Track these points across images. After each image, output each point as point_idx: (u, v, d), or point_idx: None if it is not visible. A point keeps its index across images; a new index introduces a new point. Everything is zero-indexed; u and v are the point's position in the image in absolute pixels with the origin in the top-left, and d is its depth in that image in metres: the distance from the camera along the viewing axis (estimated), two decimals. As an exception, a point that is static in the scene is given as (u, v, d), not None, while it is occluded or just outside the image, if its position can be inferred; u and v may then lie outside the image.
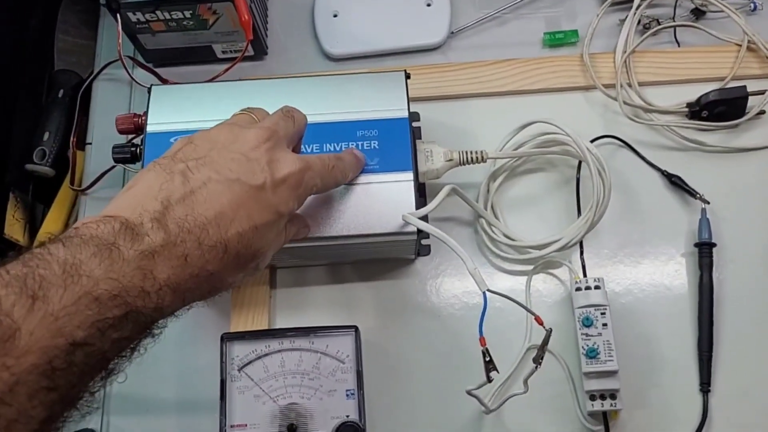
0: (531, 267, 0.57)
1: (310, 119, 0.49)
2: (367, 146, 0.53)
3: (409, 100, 0.54)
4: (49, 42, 0.74)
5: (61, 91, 0.71)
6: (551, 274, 0.58)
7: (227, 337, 0.52)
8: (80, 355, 0.30)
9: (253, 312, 0.57)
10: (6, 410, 0.28)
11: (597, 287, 0.52)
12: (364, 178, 0.52)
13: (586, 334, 0.49)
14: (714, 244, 0.55)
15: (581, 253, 0.56)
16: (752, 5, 0.64)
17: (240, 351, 0.52)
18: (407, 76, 0.56)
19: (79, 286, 0.31)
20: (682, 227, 0.58)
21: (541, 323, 0.45)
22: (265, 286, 0.57)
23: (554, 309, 0.56)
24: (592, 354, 0.49)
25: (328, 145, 0.53)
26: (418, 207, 0.52)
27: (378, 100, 0.54)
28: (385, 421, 0.54)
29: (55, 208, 0.69)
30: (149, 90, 0.55)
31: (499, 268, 0.58)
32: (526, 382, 0.49)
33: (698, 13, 0.64)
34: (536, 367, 0.46)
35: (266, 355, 0.52)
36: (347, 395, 0.51)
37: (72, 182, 0.66)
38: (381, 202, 0.52)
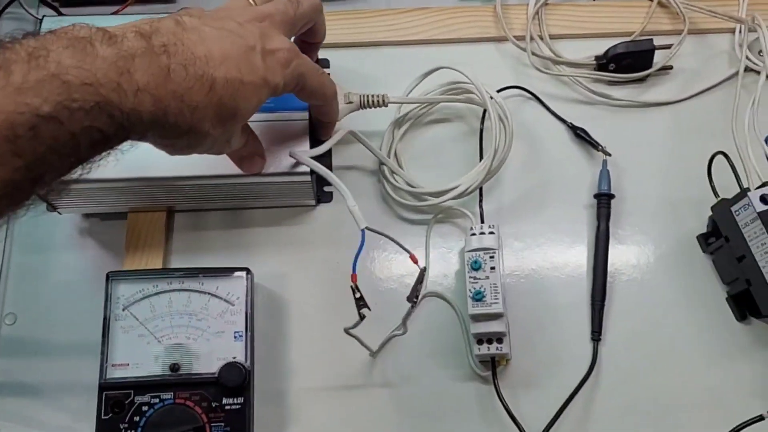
0: (431, 215, 0.56)
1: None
2: (262, 84, 0.51)
3: (309, 40, 0.53)
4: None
5: (-32, 31, 0.69)
6: (454, 223, 0.57)
7: (113, 276, 0.51)
8: (47, 130, 0.31)
9: (147, 255, 0.55)
10: None
11: (491, 233, 0.51)
12: (258, 116, 0.51)
13: (474, 277, 0.49)
14: (612, 196, 0.56)
15: (480, 201, 0.56)
16: (666, -38, 0.64)
17: (126, 290, 0.51)
18: (308, 16, 0.54)
19: (46, 70, 0.31)
20: (585, 179, 0.58)
21: (415, 261, 0.45)
22: (161, 228, 0.56)
23: (454, 257, 0.56)
24: (478, 297, 0.48)
25: (222, 82, 0.51)
26: (313, 147, 0.51)
27: (277, 39, 0.53)
28: (274, 363, 0.53)
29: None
30: (40, 21, 0.53)
31: (402, 218, 0.57)
32: (404, 322, 0.48)
33: (614, -31, 0.64)
34: (412, 307, 0.46)
35: (154, 294, 0.51)
36: (235, 337, 0.50)
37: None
38: (275, 141, 0.51)
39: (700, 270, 0.55)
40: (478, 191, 0.56)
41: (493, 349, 0.49)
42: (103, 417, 0.48)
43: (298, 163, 0.51)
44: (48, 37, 0.32)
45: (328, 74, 0.49)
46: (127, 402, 0.48)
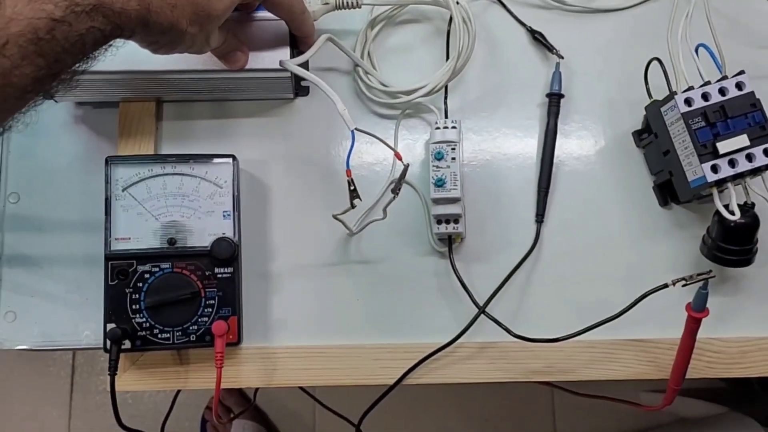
0: (400, 111, 0.62)
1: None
2: (245, -16, 0.55)
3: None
4: None
5: None
6: (421, 117, 0.63)
7: (111, 160, 0.56)
8: (61, 32, 0.38)
9: (139, 142, 0.60)
10: (3, 61, 0.37)
11: (454, 127, 0.58)
12: (241, 16, 0.55)
13: (437, 166, 0.56)
14: (562, 95, 0.62)
15: (445, 98, 0.62)
16: None
17: (124, 173, 0.56)
18: None
19: None
20: (540, 79, 0.64)
21: (400, 159, 0.51)
22: (151, 117, 0.61)
23: (420, 149, 0.62)
24: (439, 183, 0.55)
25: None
26: (292, 42, 0.56)
27: (258, -58, 0.56)
28: (260, 239, 0.60)
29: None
30: None
31: (374, 113, 0.63)
32: (385, 210, 0.56)
33: None
34: (394, 197, 0.53)
35: (149, 177, 0.57)
36: (224, 216, 0.57)
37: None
38: (258, 39, 0.56)
39: (633, 162, 0.62)
40: (444, 89, 0.61)
41: (450, 228, 0.57)
42: (110, 282, 0.55)
43: (278, 60, 0.55)
44: None
45: None
46: (130, 270, 0.55)
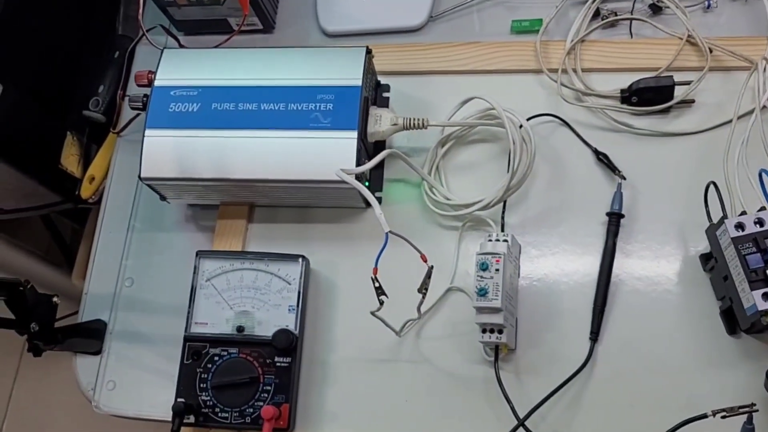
0: (462, 222, 0.66)
1: (281, 83, 0.62)
2: (323, 107, 0.63)
3: (365, 71, 0.65)
4: (113, 9, 0.91)
5: (117, 53, 0.86)
6: (484, 230, 0.66)
7: (201, 254, 0.65)
8: None
9: (231, 240, 0.69)
10: None
11: (505, 240, 0.60)
12: (317, 134, 0.63)
13: (481, 276, 0.58)
14: (622, 215, 0.62)
15: (503, 213, 0.65)
16: (707, 3, 0.69)
17: (209, 266, 0.65)
18: (368, 51, 0.66)
19: None
20: (603, 199, 0.65)
21: (425, 260, 0.55)
22: (243, 219, 0.70)
23: (478, 259, 0.65)
24: (481, 293, 0.57)
25: (292, 104, 0.64)
26: (358, 160, 0.63)
27: (338, 70, 0.65)
28: (321, 334, 0.65)
29: (103, 148, 0.84)
30: (161, 52, 0.68)
31: (438, 224, 0.67)
32: (418, 309, 0.59)
33: (655, 9, 0.70)
34: (423, 296, 0.56)
35: (230, 271, 0.65)
36: (289, 309, 0.63)
37: (114, 127, 0.81)
38: (328, 153, 0.63)
39: (699, 286, 0.60)
40: (502, 203, 0.64)
41: (493, 338, 0.58)
42: (185, 362, 0.62)
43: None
44: None
45: None
46: (203, 352, 0.62)
